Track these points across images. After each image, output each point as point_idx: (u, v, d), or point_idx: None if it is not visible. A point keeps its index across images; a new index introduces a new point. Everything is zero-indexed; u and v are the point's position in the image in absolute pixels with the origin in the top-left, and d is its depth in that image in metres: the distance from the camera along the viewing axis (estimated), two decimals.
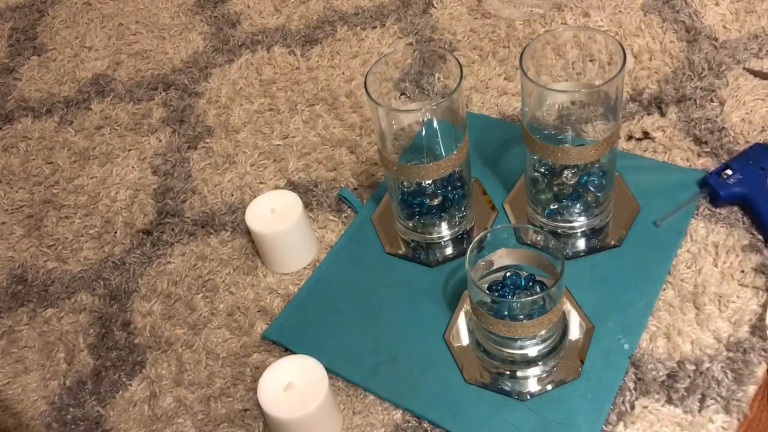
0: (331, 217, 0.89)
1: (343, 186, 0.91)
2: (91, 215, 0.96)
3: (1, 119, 1.12)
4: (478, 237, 0.68)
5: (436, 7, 1.12)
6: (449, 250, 0.82)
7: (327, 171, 0.94)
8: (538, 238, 0.69)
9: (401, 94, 0.99)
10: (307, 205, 0.90)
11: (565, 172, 0.77)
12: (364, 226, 0.86)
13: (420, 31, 1.09)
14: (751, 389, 0.67)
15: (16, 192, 1.01)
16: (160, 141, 1.03)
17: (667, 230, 0.79)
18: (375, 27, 1.11)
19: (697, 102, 0.89)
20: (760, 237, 0.76)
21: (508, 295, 0.70)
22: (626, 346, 0.71)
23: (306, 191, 0.92)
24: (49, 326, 0.85)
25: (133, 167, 1.00)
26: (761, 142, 0.84)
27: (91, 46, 1.20)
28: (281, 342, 0.78)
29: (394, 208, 0.82)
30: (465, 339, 0.74)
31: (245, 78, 1.09)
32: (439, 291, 0.79)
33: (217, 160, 0.98)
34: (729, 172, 0.79)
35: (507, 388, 0.70)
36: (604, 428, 0.66)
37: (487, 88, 0.99)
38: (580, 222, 0.79)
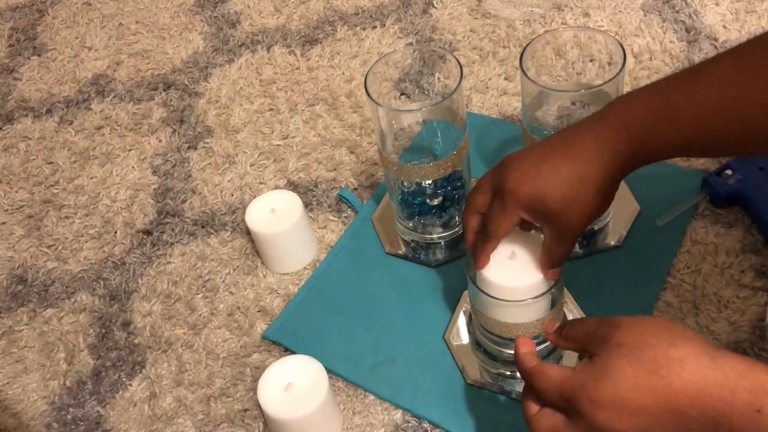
0: (331, 217, 0.89)
1: (343, 186, 0.91)
2: (91, 215, 0.96)
3: (1, 119, 1.12)
4: None
5: (436, 7, 1.12)
6: (449, 250, 0.82)
7: (327, 171, 0.94)
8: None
9: (401, 94, 0.99)
10: (307, 205, 0.90)
11: None
12: (364, 226, 0.86)
13: (420, 31, 1.09)
14: None
15: (16, 192, 1.01)
16: (160, 141, 1.03)
17: (667, 230, 0.78)
18: (375, 27, 1.11)
19: None
20: (760, 237, 0.76)
21: None
22: None
23: (306, 191, 0.92)
24: (49, 326, 0.85)
25: (133, 167, 1.00)
26: None
27: (91, 46, 1.20)
28: (281, 342, 0.78)
29: (394, 208, 0.82)
30: (465, 339, 0.74)
31: (245, 78, 1.09)
32: (439, 291, 0.79)
33: (217, 160, 0.98)
34: (729, 172, 0.79)
35: (507, 388, 0.70)
36: None
37: (487, 88, 0.99)
38: None
